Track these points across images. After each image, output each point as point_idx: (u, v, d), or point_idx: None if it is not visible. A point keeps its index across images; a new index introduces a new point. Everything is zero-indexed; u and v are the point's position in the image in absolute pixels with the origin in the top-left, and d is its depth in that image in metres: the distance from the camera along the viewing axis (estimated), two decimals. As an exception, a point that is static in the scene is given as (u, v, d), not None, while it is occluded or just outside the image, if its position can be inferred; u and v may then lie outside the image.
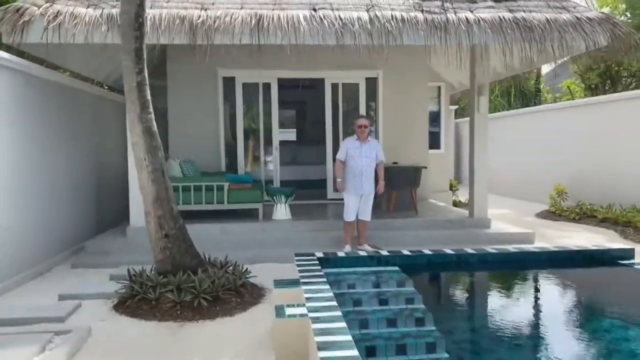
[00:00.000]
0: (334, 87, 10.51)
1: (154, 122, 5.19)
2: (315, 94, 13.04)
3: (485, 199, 8.18)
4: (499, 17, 6.71)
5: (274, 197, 8.15)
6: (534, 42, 6.62)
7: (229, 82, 10.33)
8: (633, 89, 13.15)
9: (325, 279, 4.37)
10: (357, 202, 7.06)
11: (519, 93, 20.43)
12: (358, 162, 6.93)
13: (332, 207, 9.85)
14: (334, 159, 10.82)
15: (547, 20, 6.73)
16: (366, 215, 7.15)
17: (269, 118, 10.52)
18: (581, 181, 12.11)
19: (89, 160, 8.46)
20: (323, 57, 10.53)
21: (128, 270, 5.26)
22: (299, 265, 4.81)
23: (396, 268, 5.17)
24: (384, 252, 5.43)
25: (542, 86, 17.94)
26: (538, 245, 7.60)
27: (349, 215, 7.09)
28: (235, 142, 10.42)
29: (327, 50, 10.68)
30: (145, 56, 5.07)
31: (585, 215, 10.92)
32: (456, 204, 12.54)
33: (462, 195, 13.76)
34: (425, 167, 8.96)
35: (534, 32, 6.61)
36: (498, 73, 10.00)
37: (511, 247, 5.70)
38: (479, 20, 6.65)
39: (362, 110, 10.63)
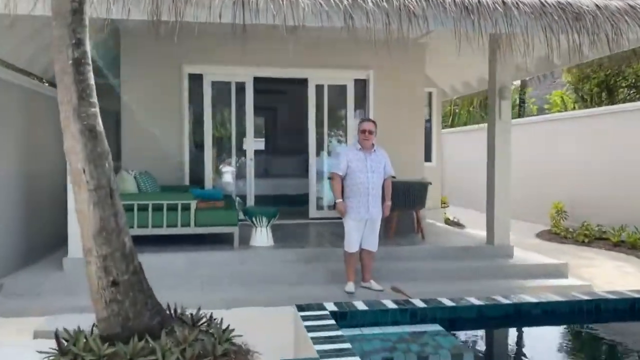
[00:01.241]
0: (319, 89, 9.07)
1: (99, 119, 3.60)
2: (291, 98, 11.62)
3: (507, 223, 6.88)
4: (540, 0, 5.45)
5: (254, 219, 6.60)
6: (584, 31, 5.37)
7: (196, 81, 8.74)
8: (632, 100, 12.26)
9: (354, 353, 2.92)
10: (362, 229, 5.60)
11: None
12: (362, 178, 5.49)
13: (317, 228, 8.37)
14: (319, 172, 9.59)
15: (597, 6, 5.51)
16: (372, 245, 5.69)
17: (242, 123, 8.98)
18: (581, 199, 11.04)
19: (15, 167, 6.69)
20: (307, 53, 9.14)
21: (56, 334, 3.61)
22: (309, 329, 3.33)
23: (438, 327, 3.74)
24: (419, 303, 3.98)
25: (526, 96, 17.09)
26: (572, 280, 6.35)
27: (351, 245, 5.62)
28: (202, 151, 8.82)
29: (312, 46, 9.34)
30: (87, 22, 3.48)
31: (594, 238, 9.83)
32: (447, 222, 11.31)
33: (451, 213, 12.59)
34: (431, 183, 7.62)
35: (583, 20, 5.36)
36: (520, 71, 8.69)
37: (582, 295, 4.32)
38: (517, 4, 5.36)
39: (350, 116, 9.22)
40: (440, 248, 6.71)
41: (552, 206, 11.17)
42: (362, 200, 5.48)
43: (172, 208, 6.44)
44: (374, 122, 5.66)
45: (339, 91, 9.30)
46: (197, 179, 8.98)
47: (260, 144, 14.77)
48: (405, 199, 7.08)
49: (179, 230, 6.47)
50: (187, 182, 8.63)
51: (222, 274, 5.86)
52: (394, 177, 5.83)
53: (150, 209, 6.35)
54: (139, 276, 3.73)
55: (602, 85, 12.11)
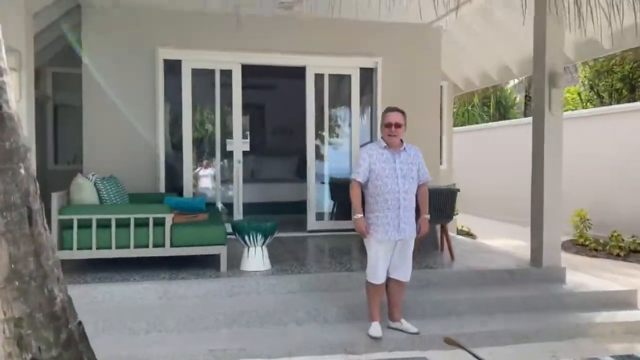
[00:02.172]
0: (318, 79, 7.74)
1: (8, 95, 2.22)
2: (286, 90, 10.27)
3: (558, 240, 5.65)
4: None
5: (246, 238, 5.24)
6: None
7: (173, 68, 7.34)
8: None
9: None
10: (390, 253, 4.27)
11: (496, 104, 18.46)
12: (391, 186, 4.16)
13: (319, 242, 7.03)
14: (318, 175, 8.27)
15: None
16: (404, 274, 4.34)
17: (228, 119, 7.62)
18: (606, 206, 9.91)
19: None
20: (305, 37, 7.82)
21: None
22: None
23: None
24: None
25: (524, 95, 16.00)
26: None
27: (377, 275, 4.26)
28: (181, 151, 7.42)
29: (311, 29, 7.92)
30: None
31: (629, 251, 8.67)
32: (459, 232, 10.06)
33: (461, 222, 11.35)
34: (459, 190, 6.35)
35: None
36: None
37: None
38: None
39: (355, 110, 7.90)
40: (478, 272, 5.41)
41: (575, 214, 9.99)
42: (390, 215, 4.16)
43: (142, 223, 5.05)
44: (402, 112, 4.32)
45: (342, 82, 7.99)
46: (174, 185, 7.59)
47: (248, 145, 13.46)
48: (432, 210, 5.76)
49: (150, 252, 5.08)
50: (162, 189, 7.22)
51: (207, 311, 4.48)
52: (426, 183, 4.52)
53: (113, 224, 4.95)
54: (78, 348, 2.35)
55: (625, 80, 11.00)
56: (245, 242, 5.25)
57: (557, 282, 5.46)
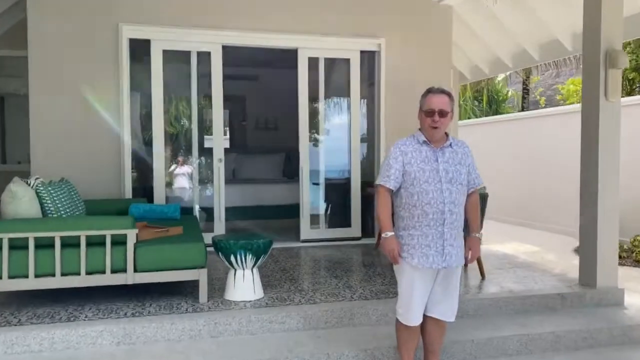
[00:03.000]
0: (313, 63, 6.61)
1: None
2: (275, 76, 9.16)
3: (615, 254, 4.64)
4: None
5: (233, 259, 4.10)
6: None
7: (141, 49, 6.17)
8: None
9: None
10: (429, 284, 3.17)
11: (488, 98, 17.57)
12: (433, 194, 3.04)
13: (317, 255, 5.92)
14: (313, 173, 7.17)
15: None
16: (448, 312, 3.21)
17: (207, 111, 6.46)
18: (624, 206, 8.97)
19: None
20: (298, 15, 6.66)
21: None
22: None
23: None
24: None
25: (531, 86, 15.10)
26: None
27: (411, 314, 3.13)
28: (150, 148, 6.24)
29: (305, 5, 6.37)
30: None
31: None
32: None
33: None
34: (488, 194, 5.31)
35: None
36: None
37: None
38: None
39: (354, 100, 6.81)
40: (522, 297, 4.36)
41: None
42: (431, 234, 3.05)
43: (97, 242, 3.88)
44: (448, 94, 3.20)
45: (339, 67, 6.89)
46: (144, 189, 6.42)
47: (228, 142, 12.26)
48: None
49: (107, 280, 3.91)
50: (128, 194, 6.03)
51: (182, 364, 3.34)
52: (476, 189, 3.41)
53: (57, 244, 3.77)
54: None
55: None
56: (231, 265, 4.11)
57: (615, 305, 4.46)
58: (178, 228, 4.49)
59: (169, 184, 6.70)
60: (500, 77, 17.95)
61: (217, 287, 4.45)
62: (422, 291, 3.13)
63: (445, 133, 3.13)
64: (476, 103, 17.48)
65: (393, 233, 3.09)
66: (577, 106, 9.37)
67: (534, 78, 15.51)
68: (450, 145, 3.14)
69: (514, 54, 7.60)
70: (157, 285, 4.19)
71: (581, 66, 4.85)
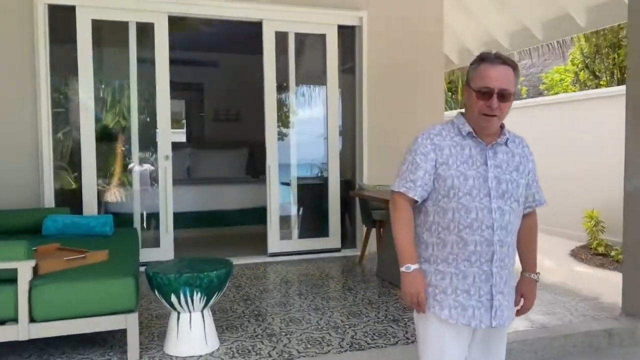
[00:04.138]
0: (280, 39, 5.46)
1: None
2: (234, 57, 8.06)
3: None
4: None
5: (175, 300, 2.92)
6: None
7: (63, 19, 4.90)
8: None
9: None
10: (464, 345, 2.05)
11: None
12: (478, 213, 1.91)
13: (287, 274, 4.78)
14: (283, 168, 5.97)
15: None
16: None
17: (149, 96, 5.24)
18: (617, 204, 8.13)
19: None
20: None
21: None
22: None
23: None
24: None
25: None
26: None
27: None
28: (78, 144, 4.99)
29: None
30: None
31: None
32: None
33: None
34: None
35: None
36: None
37: None
38: None
39: (332, 86, 5.68)
40: (559, 335, 3.33)
41: (586, 215, 8.18)
42: (474, 273, 1.94)
43: (-28, 281, 2.66)
44: (513, 65, 1.94)
45: (313, 44, 5.77)
46: (70, 195, 5.17)
47: (184, 136, 11.02)
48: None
49: (-11, 336, 2.69)
50: (49, 201, 4.78)
51: None
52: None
53: None
54: None
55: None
56: (172, 307, 2.94)
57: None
58: (101, 253, 3.28)
59: (103, 190, 5.44)
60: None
61: (157, 333, 3.28)
62: (455, 356, 2.04)
63: (502, 125, 2.03)
64: (450, 94, 16.59)
65: (417, 266, 1.98)
66: (571, 95, 8.50)
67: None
68: (506, 142, 2.04)
69: (513, 33, 6.59)
70: (66, 339, 2.99)
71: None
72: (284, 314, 3.69)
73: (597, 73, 10.54)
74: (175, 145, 8.62)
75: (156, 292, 2.94)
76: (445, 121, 2.06)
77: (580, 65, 10.82)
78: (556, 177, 8.05)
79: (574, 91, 10.75)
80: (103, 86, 5.41)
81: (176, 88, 9.57)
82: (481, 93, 1.91)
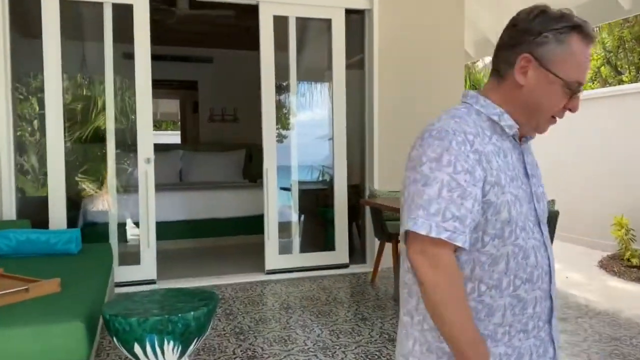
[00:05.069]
0: (280, 24, 4.76)
1: None
2: (220, 67, 7.47)
3: None
4: None
5: (138, 350, 2.20)
6: None
7: (28, 0, 4.22)
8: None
9: None
10: None
11: (470, 87, 16.02)
12: (535, 256, 1.19)
13: (287, 298, 4.07)
14: (282, 171, 4.91)
15: None
16: None
17: (129, 90, 4.55)
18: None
19: None
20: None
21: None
22: None
23: None
24: None
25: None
26: None
27: None
28: (43, 146, 4.30)
29: None
30: None
31: None
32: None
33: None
34: (558, 212, 3.58)
35: None
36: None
37: None
38: None
39: (338, 75, 4.97)
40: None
41: (615, 222, 7.45)
42: (529, 347, 1.21)
43: None
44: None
45: (317, 31, 5.08)
46: (37, 205, 4.48)
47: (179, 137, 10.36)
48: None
49: None
50: (8, 213, 4.07)
51: None
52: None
53: None
54: None
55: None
56: (136, 359, 2.22)
57: None
58: (50, 283, 2.57)
59: (74, 199, 4.75)
60: (480, 65, 16.45)
61: (122, 384, 2.57)
62: None
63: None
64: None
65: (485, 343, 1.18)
66: (595, 92, 7.80)
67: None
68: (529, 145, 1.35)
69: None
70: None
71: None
72: (285, 354, 2.97)
73: (619, 69, 9.85)
74: (166, 147, 8.04)
75: (115, 340, 2.22)
76: (462, 105, 1.26)
77: (601, 61, 10.12)
78: (576, 179, 7.35)
79: (593, 88, 10.07)
80: (72, 79, 4.71)
81: (168, 86, 9.03)
82: (573, 88, 1.18)
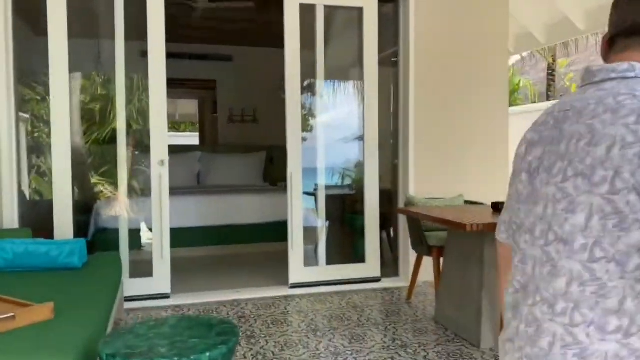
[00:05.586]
0: (306, 14, 4.34)
1: None
2: (240, 65, 7.13)
3: None
4: None
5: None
6: None
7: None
8: None
9: None
10: None
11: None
12: None
13: (314, 317, 3.64)
14: (308, 173, 4.56)
15: None
16: None
17: (139, 88, 4.19)
18: None
19: None
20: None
21: None
22: None
23: None
24: None
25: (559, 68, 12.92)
26: None
27: None
28: (47, 148, 3.94)
29: None
30: None
31: None
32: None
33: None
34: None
35: None
36: None
37: None
38: None
39: (370, 70, 4.54)
40: None
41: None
42: None
43: None
44: None
45: (347, 21, 4.66)
46: (41, 213, 4.14)
47: (194, 139, 10.02)
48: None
49: None
50: (10, 220, 3.72)
51: None
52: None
53: None
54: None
55: None
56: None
57: None
58: (43, 308, 2.17)
59: (81, 205, 4.40)
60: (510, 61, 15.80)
61: None
62: None
63: None
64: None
65: None
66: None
67: (562, 61, 13.33)
68: None
69: (591, 11, 5.37)
70: None
71: None
72: (315, 391, 2.54)
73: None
74: (184, 149, 7.69)
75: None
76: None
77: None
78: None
79: None
80: (83, 78, 4.36)
81: (188, 86, 8.70)
82: None
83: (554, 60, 12.77)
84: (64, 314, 2.22)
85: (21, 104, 4.48)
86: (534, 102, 14.61)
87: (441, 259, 3.64)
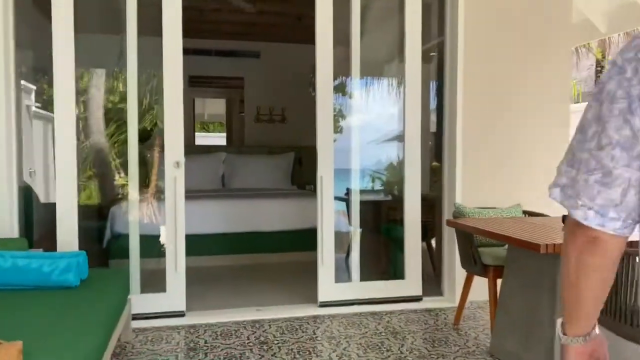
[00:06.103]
0: (340, 6, 3.85)
1: None
2: (268, 62, 6.78)
3: None
4: None
5: None
6: None
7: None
8: None
9: None
10: None
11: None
12: None
13: (347, 344, 3.14)
14: (341, 174, 3.91)
15: None
16: None
17: (156, 85, 3.77)
18: None
19: None
20: None
21: None
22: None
23: None
24: None
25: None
26: None
27: None
28: (87, 149, 3.54)
29: None
30: None
31: None
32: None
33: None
34: None
35: None
36: None
37: None
38: None
39: (412, 66, 4.01)
40: None
41: None
42: None
43: None
44: None
45: (385, 13, 4.15)
46: (48, 221, 3.75)
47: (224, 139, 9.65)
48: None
49: None
50: (9, 228, 3.34)
51: None
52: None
53: None
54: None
55: None
56: None
57: None
58: (8, 349, 1.73)
59: (87, 212, 3.99)
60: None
61: None
62: None
63: None
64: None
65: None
66: None
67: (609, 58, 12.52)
68: None
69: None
70: None
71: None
72: None
73: None
74: (207, 149, 7.30)
75: None
76: None
77: None
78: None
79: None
80: (89, 68, 3.98)
81: (215, 85, 8.33)
82: None
83: (604, 57, 11.95)
84: (37, 354, 1.77)
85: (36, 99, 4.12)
86: (577, 102, 13.79)
87: (498, 280, 3.09)
